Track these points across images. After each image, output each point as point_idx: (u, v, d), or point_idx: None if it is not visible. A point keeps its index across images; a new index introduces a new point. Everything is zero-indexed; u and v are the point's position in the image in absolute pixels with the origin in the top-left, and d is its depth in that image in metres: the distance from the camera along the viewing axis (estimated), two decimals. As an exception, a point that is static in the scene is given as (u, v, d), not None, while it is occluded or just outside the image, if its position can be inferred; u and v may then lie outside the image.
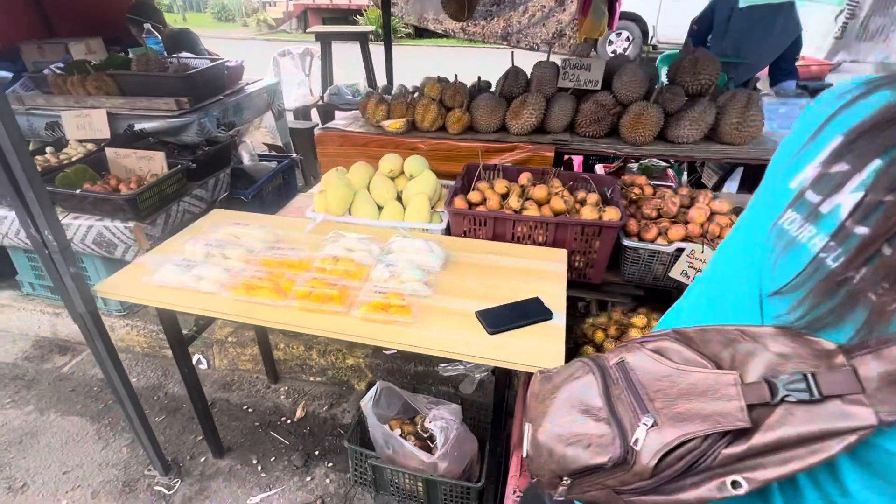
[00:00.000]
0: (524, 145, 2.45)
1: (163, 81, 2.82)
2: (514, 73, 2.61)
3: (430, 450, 1.87)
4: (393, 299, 1.47)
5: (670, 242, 1.85)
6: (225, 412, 2.42)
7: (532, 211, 1.90)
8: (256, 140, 3.93)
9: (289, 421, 2.39)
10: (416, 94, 2.70)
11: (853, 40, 3.77)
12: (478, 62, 9.59)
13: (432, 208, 2.07)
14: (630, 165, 3.50)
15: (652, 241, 1.87)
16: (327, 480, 2.10)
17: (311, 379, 2.63)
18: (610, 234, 1.85)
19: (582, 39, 4.14)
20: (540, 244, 1.93)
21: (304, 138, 4.46)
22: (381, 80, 4.85)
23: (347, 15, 15.32)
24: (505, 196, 2.01)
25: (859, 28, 3.74)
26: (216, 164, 2.97)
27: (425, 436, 1.93)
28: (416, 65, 8.50)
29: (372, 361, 2.52)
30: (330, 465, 2.17)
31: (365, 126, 2.75)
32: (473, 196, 2.01)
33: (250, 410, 2.45)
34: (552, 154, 2.43)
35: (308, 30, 4.71)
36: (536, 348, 1.39)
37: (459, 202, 1.99)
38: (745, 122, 2.33)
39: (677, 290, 1.96)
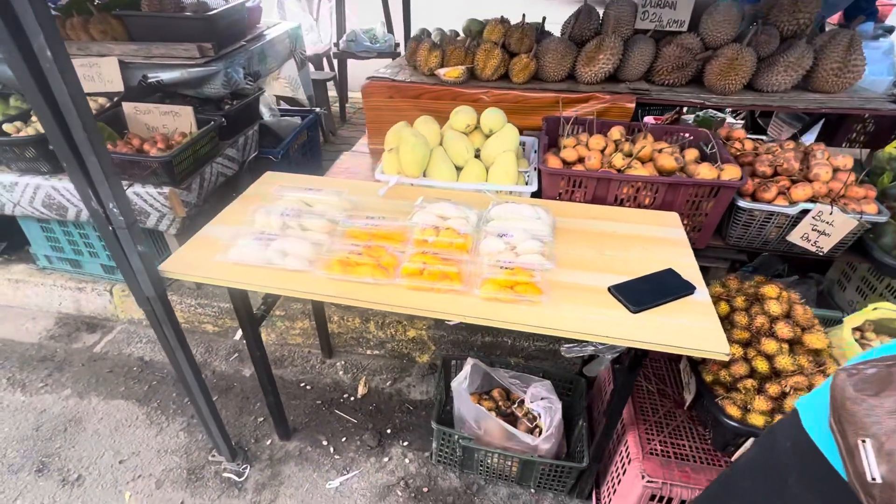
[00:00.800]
0: (601, 95, 2.21)
1: (180, 24, 2.46)
2: (586, 12, 2.32)
3: (530, 430, 1.75)
4: (520, 276, 1.29)
5: (792, 203, 1.68)
6: (281, 390, 2.27)
7: (639, 170, 1.71)
8: (273, 92, 3.58)
9: (352, 398, 2.25)
10: (472, 40, 2.40)
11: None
12: (507, 4, 8.95)
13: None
14: (684, 117, 3.27)
15: (770, 202, 1.70)
16: (406, 460, 1.99)
17: (369, 353, 2.47)
18: (727, 195, 1.67)
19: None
20: (645, 207, 1.75)
21: (321, 90, 4.11)
22: (397, 26, 4.45)
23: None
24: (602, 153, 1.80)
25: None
26: (245, 121, 2.67)
27: (521, 415, 1.81)
28: (437, 7, 7.86)
29: (435, 333, 2.37)
30: (405, 443, 2.06)
31: (415, 75, 2.46)
32: (567, 154, 1.79)
33: (308, 388, 2.30)
34: (633, 105, 2.20)
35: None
36: (690, 328, 1.23)
37: (553, 160, 1.78)
38: (846, 66, 2.11)
39: (790, 253, 1.81)
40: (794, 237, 1.69)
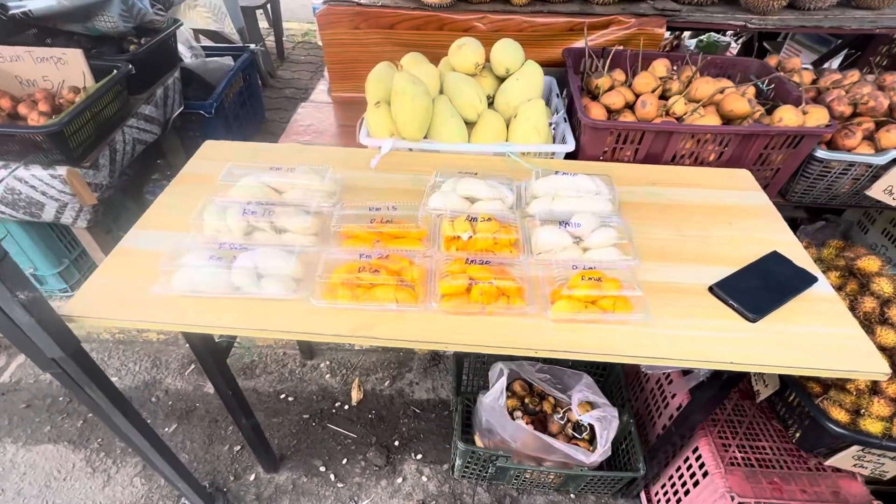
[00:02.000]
0: (624, 19, 1.77)
1: (44, -74, 1.73)
2: None
3: (568, 438, 1.48)
4: (608, 287, 0.92)
5: (880, 150, 1.39)
6: (258, 408, 1.87)
7: (706, 118, 1.34)
8: (191, 26, 2.83)
9: (346, 407, 1.89)
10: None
11: None
12: None
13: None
14: (686, 43, 2.90)
15: (851, 151, 1.40)
16: (423, 477, 1.69)
17: (357, 348, 2.09)
18: (810, 144, 1.35)
19: None
20: (707, 165, 1.41)
21: (251, 21, 3.35)
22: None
23: None
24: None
25: None
26: (161, 66, 2.03)
27: (568, 425, 1.53)
28: None
29: (435, 320, 2.01)
30: (418, 456, 1.75)
31: (386, -3, 1.90)
32: (612, 99, 1.39)
33: (291, 399, 1.91)
34: (663, 30, 1.79)
35: None
36: (828, 339, 0.94)
37: (597, 109, 1.37)
38: (903, -25, 1.79)
39: (857, 208, 1.55)
40: (876, 192, 1.43)
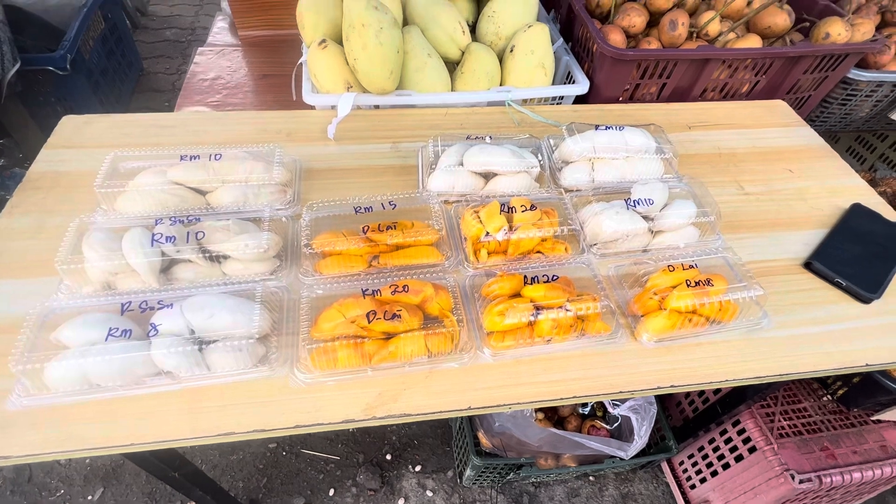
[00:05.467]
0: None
1: None
2: None
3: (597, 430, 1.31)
4: (718, 290, 0.67)
5: (912, 66, 1.23)
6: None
7: (744, 38, 1.08)
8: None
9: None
10: None
11: None
12: None
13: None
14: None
15: (882, 69, 1.23)
16: (428, 492, 1.46)
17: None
18: (851, 63, 1.15)
19: None
20: (740, 97, 1.17)
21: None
22: None
23: None
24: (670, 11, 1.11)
25: None
26: (-32, 2, 1.38)
27: (600, 416, 1.34)
28: None
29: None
30: (417, 468, 1.51)
31: None
32: (631, 20, 1.08)
33: (249, 427, 1.55)
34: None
35: None
36: (954, 312, 0.77)
37: (615, 35, 1.06)
38: None
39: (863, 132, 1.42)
40: (900, 113, 1.28)
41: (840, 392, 1.21)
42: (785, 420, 1.20)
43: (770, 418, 1.20)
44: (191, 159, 0.75)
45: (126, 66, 2.28)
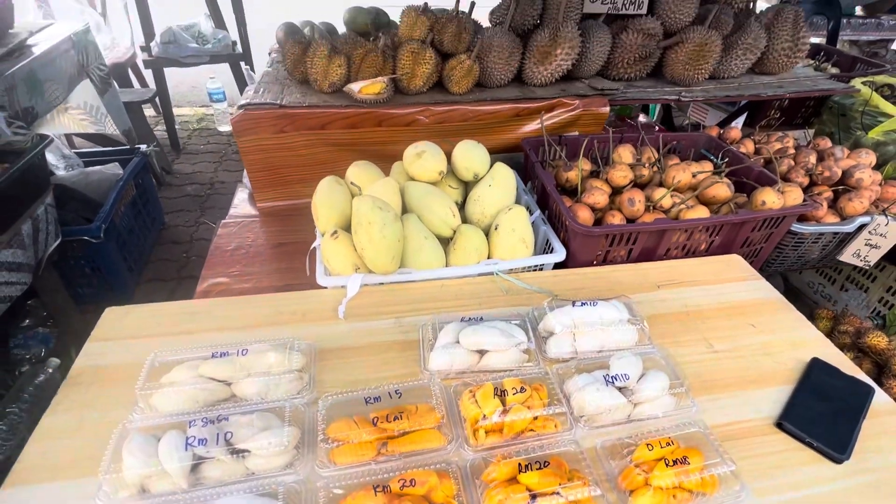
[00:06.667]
0: (568, 101, 1.73)
1: None
2: (528, -5, 1.81)
3: None
4: (694, 466, 0.74)
5: (845, 218, 1.41)
6: None
7: (696, 209, 1.27)
8: (64, 130, 2.38)
9: None
10: (384, 39, 1.70)
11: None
12: None
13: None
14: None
15: (819, 221, 1.41)
16: None
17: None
18: (790, 221, 1.33)
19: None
20: (699, 253, 1.33)
21: (138, 115, 2.95)
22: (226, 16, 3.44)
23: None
24: (624, 188, 1.32)
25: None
26: (28, 194, 1.61)
27: None
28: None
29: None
30: None
31: (311, 94, 1.69)
32: (596, 198, 1.28)
33: None
34: (607, 110, 1.76)
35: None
36: (921, 469, 0.83)
37: (583, 212, 1.25)
38: (796, 46, 1.96)
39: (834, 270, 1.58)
40: (846, 256, 1.44)
41: None
42: None
43: None
44: (220, 356, 0.86)
45: (150, 223, 2.52)
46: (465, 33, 1.68)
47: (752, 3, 1.99)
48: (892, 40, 3.87)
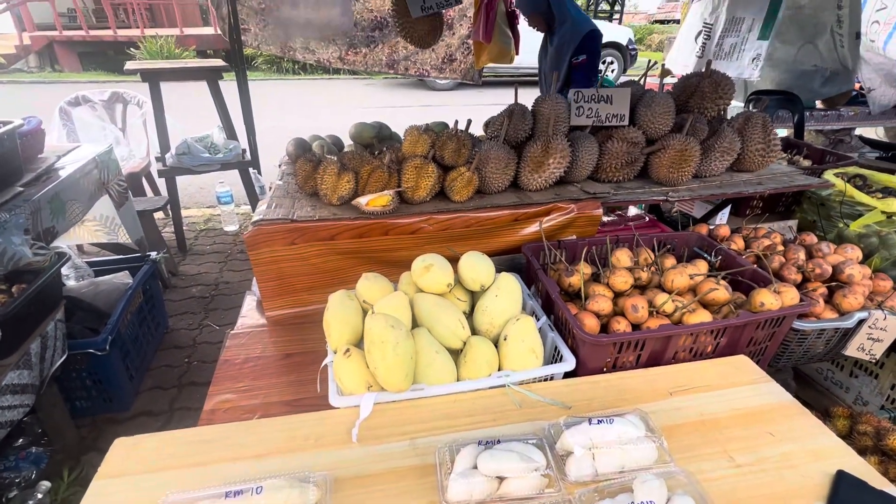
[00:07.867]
0: (563, 205, 1.83)
1: None
2: (520, 112, 1.98)
3: None
4: None
5: (843, 313, 1.45)
6: None
7: (697, 313, 1.30)
8: (78, 241, 2.47)
9: None
10: (390, 155, 1.84)
11: (712, 58, 4.09)
12: (343, 98, 8.48)
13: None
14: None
15: (819, 317, 1.45)
16: None
17: None
18: (790, 321, 1.37)
19: (486, 63, 3.76)
20: (707, 356, 1.35)
21: (149, 222, 3.07)
22: (238, 128, 3.70)
23: (111, 49, 12.39)
24: (625, 292, 1.36)
25: (716, 48, 4.08)
26: (38, 312, 1.63)
27: None
28: (273, 105, 6.83)
29: None
30: None
31: (320, 208, 1.79)
32: (599, 305, 1.32)
33: None
34: (600, 212, 1.87)
35: (127, 67, 3.29)
36: None
37: (590, 320, 1.28)
38: (768, 147, 2.12)
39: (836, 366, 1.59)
40: (851, 351, 1.46)
41: None
42: None
43: None
44: (235, 495, 0.84)
45: (154, 328, 2.52)
46: (465, 148, 1.83)
47: (723, 111, 2.19)
48: (854, 128, 4.20)
